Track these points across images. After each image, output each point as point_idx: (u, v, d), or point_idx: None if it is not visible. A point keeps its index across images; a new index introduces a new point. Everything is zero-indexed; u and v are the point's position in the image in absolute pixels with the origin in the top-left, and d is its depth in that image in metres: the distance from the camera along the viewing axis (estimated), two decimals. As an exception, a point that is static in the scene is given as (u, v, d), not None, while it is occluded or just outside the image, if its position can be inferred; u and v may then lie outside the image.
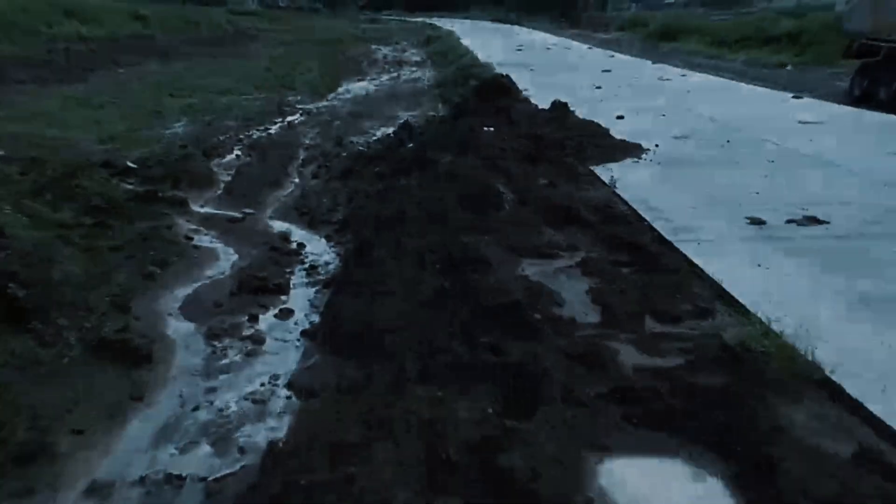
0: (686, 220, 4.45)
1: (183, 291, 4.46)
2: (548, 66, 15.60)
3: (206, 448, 2.68)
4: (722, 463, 2.02)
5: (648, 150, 6.72)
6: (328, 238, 5.46)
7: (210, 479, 2.50)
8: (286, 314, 4.14)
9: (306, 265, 4.93)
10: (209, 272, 4.81)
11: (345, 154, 8.13)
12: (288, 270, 4.85)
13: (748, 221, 4.34)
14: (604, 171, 5.91)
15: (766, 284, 3.33)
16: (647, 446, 2.10)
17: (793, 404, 2.18)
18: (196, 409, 3.02)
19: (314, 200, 6.43)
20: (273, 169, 7.54)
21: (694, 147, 6.77)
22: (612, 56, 18.58)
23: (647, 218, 4.56)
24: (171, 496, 2.40)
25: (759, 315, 2.85)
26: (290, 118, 10.80)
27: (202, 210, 6.19)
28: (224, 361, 3.54)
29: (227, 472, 2.55)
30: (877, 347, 2.67)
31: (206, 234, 5.55)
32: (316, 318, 4.01)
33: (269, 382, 3.30)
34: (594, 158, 6.32)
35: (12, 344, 3.19)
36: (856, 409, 2.25)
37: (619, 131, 7.28)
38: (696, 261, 3.73)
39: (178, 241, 5.28)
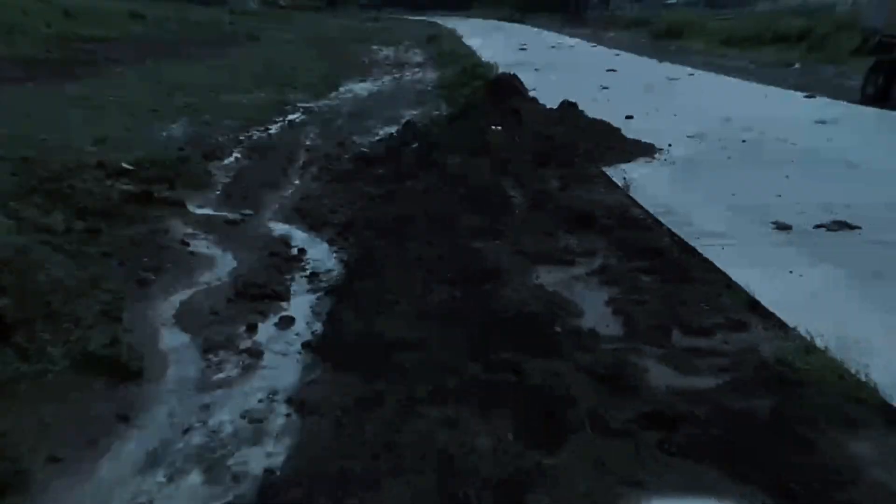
0: (707, 225, 4.22)
1: (178, 299, 4.24)
2: (553, 66, 15.37)
3: (196, 476, 2.45)
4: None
5: (661, 150, 6.49)
6: (330, 242, 5.23)
7: (200, 511, 2.28)
8: (286, 323, 3.92)
9: (307, 271, 4.71)
10: (206, 278, 4.59)
11: (347, 155, 7.91)
12: (288, 276, 4.63)
13: (774, 226, 4.11)
14: (617, 173, 5.69)
15: (800, 294, 3.10)
16: (688, 483, 1.87)
17: (853, 434, 1.95)
18: (188, 430, 2.79)
19: (315, 203, 6.21)
20: (273, 170, 7.32)
21: (709, 147, 6.54)
22: (618, 55, 18.34)
23: (666, 222, 4.33)
24: (156, 532, 2.18)
25: (797, 328, 2.61)
26: (290, 117, 10.59)
27: (199, 212, 5.97)
28: (219, 376, 3.32)
29: (220, 504, 2.32)
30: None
31: (203, 238, 5.33)
32: (318, 328, 3.79)
33: (268, 399, 3.07)
34: (606, 159, 6.09)
35: (-9, 359, 2.97)
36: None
37: (629, 131, 7.05)
38: (722, 268, 3.49)
39: (173, 246, 5.06)
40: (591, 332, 2.83)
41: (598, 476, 1.86)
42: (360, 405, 2.69)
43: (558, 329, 2.67)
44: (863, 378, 2.23)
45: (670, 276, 3.50)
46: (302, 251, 5.05)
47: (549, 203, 4.91)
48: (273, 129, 9.63)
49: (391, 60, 20.78)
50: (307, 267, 4.79)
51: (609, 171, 5.80)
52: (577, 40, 24.37)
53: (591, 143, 6.42)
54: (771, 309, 2.93)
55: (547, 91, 9.53)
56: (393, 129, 9.10)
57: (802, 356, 2.34)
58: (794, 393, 2.11)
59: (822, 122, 7.62)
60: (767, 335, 2.71)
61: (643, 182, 5.30)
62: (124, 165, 6.82)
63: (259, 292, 4.26)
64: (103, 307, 3.85)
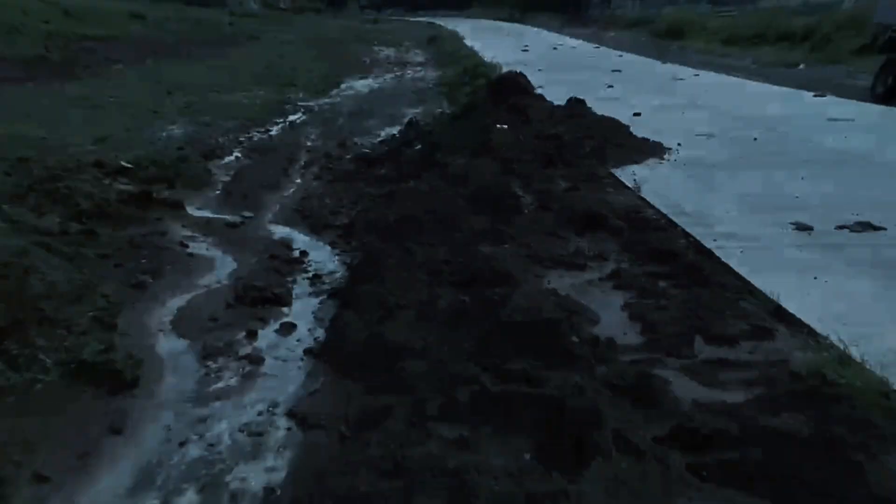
0: (723, 226, 4.07)
1: (176, 303, 4.10)
2: (556, 66, 15.22)
3: (191, 496, 2.31)
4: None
5: (671, 149, 6.35)
6: (332, 244, 5.10)
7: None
8: (287, 329, 3.78)
9: (309, 274, 4.57)
10: (205, 281, 4.46)
11: (348, 156, 7.78)
12: (290, 279, 4.49)
13: (794, 227, 3.95)
14: (626, 173, 5.55)
15: (828, 300, 2.95)
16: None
17: (905, 457, 1.80)
18: (184, 443, 2.65)
19: (317, 204, 6.07)
20: (273, 170, 7.20)
21: (720, 147, 6.38)
22: (621, 55, 18.18)
23: (680, 223, 4.18)
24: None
25: (829, 337, 2.46)
26: (291, 117, 10.47)
27: (199, 213, 5.85)
28: (218, 385, 3.17)
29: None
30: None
31: (202, 240, 5.20)
32: (320, 334, 3.65)
33: (268, 411, 2.93)
34: (615, 159, 5.95)
35: (-22, 368, 2.83)
36: None
37: (637, 130, 6.90)
38: (742, 272, 3.35)
39: (172, 248, 4.94)
40: (608, 340, 2.69)
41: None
42: (365, 419, 2.55)
43: (575, 338, 2.53)
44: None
45: (688, 280, 3.35)
46: (303, 254, 4.92)
47: (557, 204, 4.76)
48: (273, 129, 9.51)
49: (392, 60, 20.65)
50: (309, 270, 4.65)
51: (618, 170, 5.65)
52: (578, 41, 24.22)
53: (598, 141, 6.27)
54: (797, 315, 2.77)
55: (552, 90, 9.38)
56: (394, 129, 8.97)
57: (837, 368, 2.19)
58: (834, 410, 1.96)
59: (835, 121, 7.46)
60: (796, 344, 2.56)
61: (654, 182, 5.15)
62: (123, 164, 6.69)
63: (259, 296, 4.12)
64: (98, 312, 3.71)
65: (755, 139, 6.57)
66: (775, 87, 11.11)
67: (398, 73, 17.19)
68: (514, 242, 4.00)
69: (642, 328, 2.86)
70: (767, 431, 1.88)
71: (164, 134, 8.42)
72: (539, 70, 13.79)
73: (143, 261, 4.55)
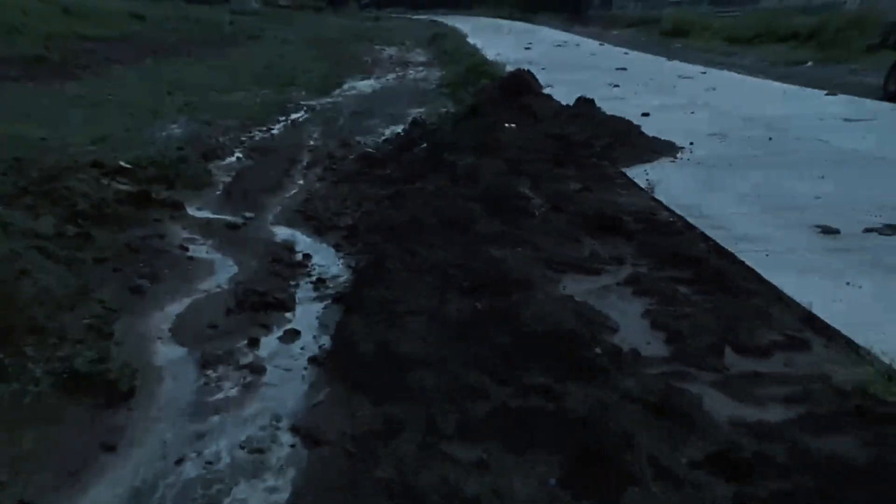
0: (744, 229, 3.91)
1: (175, 309, 3.95)
2: (560, 65, 15.04)
3: (189, 520, 2.16)
4: None
5: (682, 148, 6.19)
6: (337, 247, 4.94)
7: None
8: (291, 336, 3.62)
9: (313, 277, 4.42)
10: (205, 286, 4.32)
11: (351, 156, 7.62)
12: (293, 283, 4.34)
13: (818, 230, 3.78)
14: (638, 173, 5.38)
15: (861, 307, 2.79)
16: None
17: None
18: (180, 461, 2.49)
19: (320, 205, 5.91)
20: (275, 170, 7.05)
21: (733, 146, 6.22)
22: (626, 54, 17.99)
23: (699, 226, 4.02)
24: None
25: (871, 350, 2.30)
26: (293, 117, 10.33)
27: (199, 214, 5.70)
28: (218, 397, 3.02)
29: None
30: None
31: (202, 242, 5.05)
32: (325, 341, 3.50)
33: (270, 425, 2.78)
34: (626, 159, 5.78)
35: (-36, 380, 2.68)
36: None
37: (647, 129, 6.74)
38: (769, 277, 3.18)
39: (171, 251, 4.79)
40: (632, 352, 2.52)
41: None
42: (374, 436, 2.39)
43: (598, 350, 2.37)
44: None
45: (711, 285, 3.19)
46: (306, 256, 4.77)
47: (568, 205, 4.60)
48: (275, 128, 9.36)
49: (394, 59, 20.49)
50: (312, 273, 4.50)
51: (629, 170, 5.49)
52: (581, 39, 24.03)
53: (608, 141, 6.11)
54: (833, 325, 2.61)
55: (557, 89, 9.23)
56: (398, 129, 8.81)
57: (886, 385, 2.03)
58: (889, 432, 1.80)
59: (850, 120, 7.29)
60: (834, 356, 2.40)
61: (668, 183, 4.99)
62: (122, 164, 6.55)
63: (261, 301, 3.97)
64: (94, 319, 3.57)
65: (770, 139, 6.39)
66: (784, 86, 10.93)
67: (400, 73, 17.03)
68: (525, 246, 3.84)
69: (667, 338, 2.70)
70: (818, 457, 1.72)
71: (164, 134, 8.28)
72: (543, 69, 13.58)
73: (142, 264, 4.41)
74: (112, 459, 2.44)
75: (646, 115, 7.76)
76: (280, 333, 3.64)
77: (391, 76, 16.37)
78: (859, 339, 2.43)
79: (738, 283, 3.16)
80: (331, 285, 4.28)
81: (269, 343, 3.56)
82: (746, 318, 2.74)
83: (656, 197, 4.74)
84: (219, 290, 4.25)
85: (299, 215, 5.70)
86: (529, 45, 21.04)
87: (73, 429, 2.60)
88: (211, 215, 5.69)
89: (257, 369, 3.28)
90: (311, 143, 8.51)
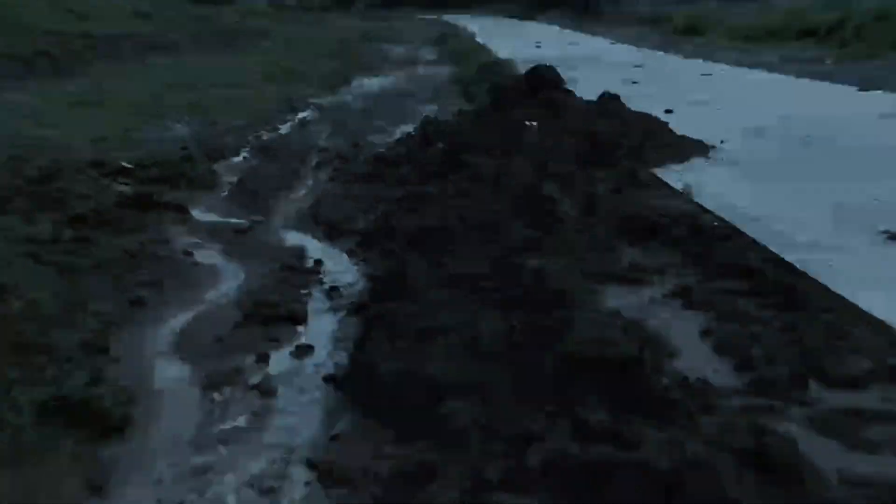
0: (800, 234, 3.56)
1: (177, 322, 3.65)
2: (574, 62, 14.65)
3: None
4: None
5: (714, 147, 5.84)
6: (350, 253, 4.62)
7: None
8: (304, 352, 3.31)
9: (326, 286, 4.10)
10: (210, 295, 4.03)
11: (363, 156, 7.31)
12: (304, 293, 4.03)
13: (886, 236, 3.43)
14: (671, 174, 5.05)
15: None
16: None
17: None
18: (179, 506, 2.17)
19: (331, 208, 5.60)
20: (284, 171, 6.78)
21: (771, 145, 5.86)
22: (640, 51, 17.62)
23: (748, 232, 3.67)
24: None
25: None
26: (301, 115, 10.06)
27: (204, 218, 5.42)
28: (223, 426, 2.70)
29: None
30: None
31: (207, 248, 4.76)
32: (340, 357, 3.18)
33: (283, 459, 2.45)
34: (656, 158, 5.45)
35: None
36: None
37: (674, 127, 6.39)
38: (839, 290, 2.83)
39: (174, 257, 4.51)
40: (702, 382, 2.18)
41: None
42: (404, 479, 2.06)
43: (665, 380, 2.03)
44: None
45: (775, 300, 2.85)
46: (318, 263, 4.45)
47: (601, 210, 4.27)
48: (283, 127, 9.10)
49: (402, 58, 20.20)
50: (325, 281, 4.19)
51: (661, 171, 5.15)
52: (592, 37, 23.67)
53: (637, 139, 5.76)
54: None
55: (574, 86, 8.88)
56: (410, 128, 8.50)
57: None
58: None
59: (886, 117, 6.91)
60: (943, 388, 2.06)
61: (706, 184, 4.64)
62: (123, 164, 6.27)
63: (271, 313, 3.67)
64: (87, 335, 3.25)
65: (808, 136, 6.03)
66: (812, 82, 10.53)
67: (409, 71, 16.73)
68: (560, 254, 3.50)
69: (736, 364, 2.35)
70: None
71: (167, 133, 8.01)
72: (556, 66, 13.26)
73: (143, 272, 4.12)
74: (101, 504, 2.12)
75: (669, 111, 7.41)
76: (292, 349, 3.34)
77: (400, 74, 16.07)
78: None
79: (806, 298, 2.81)
80: (345, 295, 3.96)
81: (280, 360, 3.25)
82: (826, 341, 2.39)
83: (695, 199, 4.40)
84: (225, 299, 3.96)
85: (309, 219, 5.40)
86: (539, 44, 20.69)
87: (58, 466, 2.29)
88: (217, 218, 5.41)
89: (267, 391, 2.95)
90: (321, 142, 8.23)
